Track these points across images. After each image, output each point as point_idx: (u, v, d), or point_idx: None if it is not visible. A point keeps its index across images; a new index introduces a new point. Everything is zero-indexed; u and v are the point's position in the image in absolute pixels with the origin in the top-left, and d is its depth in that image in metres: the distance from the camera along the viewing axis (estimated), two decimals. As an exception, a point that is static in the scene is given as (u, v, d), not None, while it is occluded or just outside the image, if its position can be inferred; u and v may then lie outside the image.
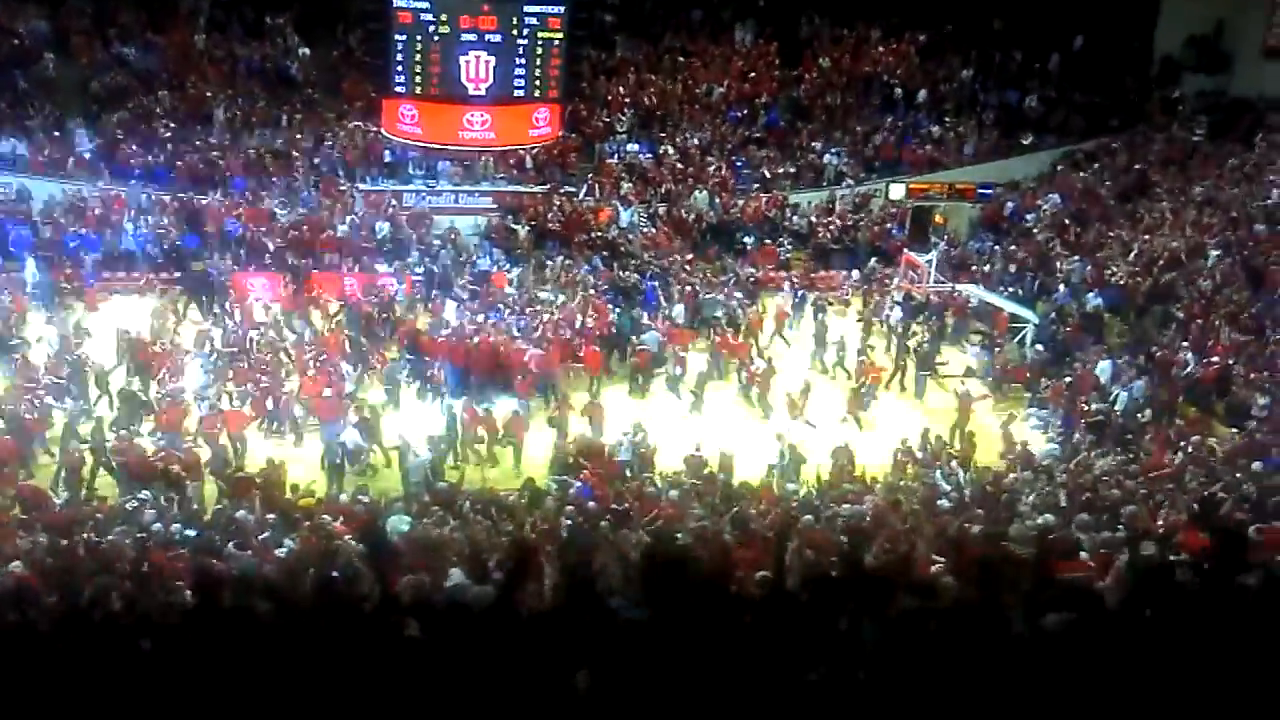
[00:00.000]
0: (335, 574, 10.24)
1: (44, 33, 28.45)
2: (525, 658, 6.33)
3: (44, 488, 15.42)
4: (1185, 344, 20.43)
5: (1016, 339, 22.93)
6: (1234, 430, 17.88)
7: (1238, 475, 14.38)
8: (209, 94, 28.46)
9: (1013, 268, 25.90)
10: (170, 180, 26.61)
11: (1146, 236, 24.87)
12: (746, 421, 20.15)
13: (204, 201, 26.05)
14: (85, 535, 11.88)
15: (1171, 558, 10.30)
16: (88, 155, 26.56)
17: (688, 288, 24.32)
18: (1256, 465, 14.97)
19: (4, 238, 24.19)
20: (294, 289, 23.70)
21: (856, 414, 19.90)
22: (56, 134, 26.72)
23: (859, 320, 24.26)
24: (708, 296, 23.96)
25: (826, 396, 20.72)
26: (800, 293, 24.93)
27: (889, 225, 28.65)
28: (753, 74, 31.95)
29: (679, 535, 11.88)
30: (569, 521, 12.72)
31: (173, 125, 27.59)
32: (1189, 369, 19.71)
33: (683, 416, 20.17)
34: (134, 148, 26.91)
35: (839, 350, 22.58)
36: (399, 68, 20.32)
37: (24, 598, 8.93)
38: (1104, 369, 20.41)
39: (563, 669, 5.85)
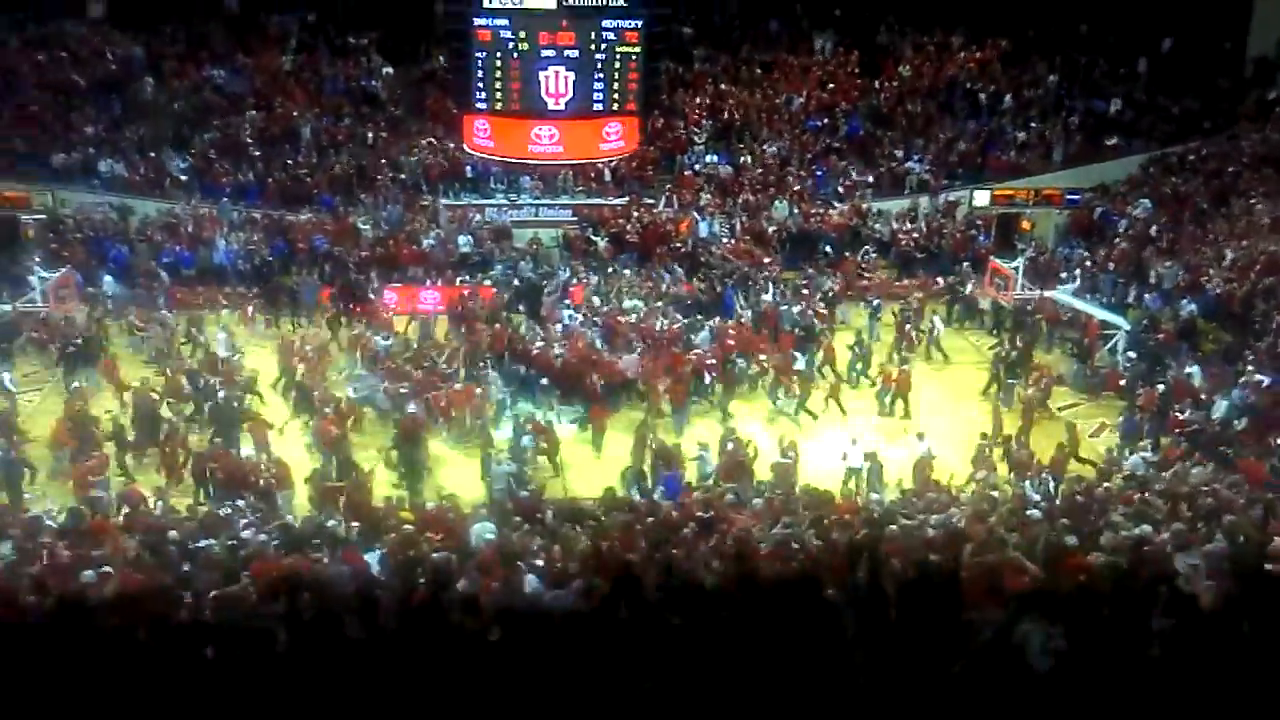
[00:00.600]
0: (420, 581, 10.39)
1: (139, 58, 29.46)
2: (605, 662, 6.35)
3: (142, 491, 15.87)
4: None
5: (1108, 346, 22.40)
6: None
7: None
8: (296, 114, 29.17)
9: (1103, 274, 25.30)
10: (259, 198, 27.30)
11: (1243, 241, 24.13)
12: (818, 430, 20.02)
13: (292, 218, 26.66)
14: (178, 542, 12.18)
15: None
16: (181, 175, 27.37)
17: (765, 296, 24.21)
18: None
19: (104, 255, 25.01)
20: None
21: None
22: (151, 155, 27.61)
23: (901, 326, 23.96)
24: (784, 308, 23.79)
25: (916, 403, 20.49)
26: (877, 302, 24.63)
27: (974, 232, 28.19)
28: (832, 83, 31.77)
29: (762, 545, 11.82)
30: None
31: (261, 145, 28.32)
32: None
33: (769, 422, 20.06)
34: (224, 167, 27.68)
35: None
36: (480, 84, 20.54)
37: (120, 606, 9.16)
38: (1194, 374, 19.87)
39: (638, 674, 5.86)
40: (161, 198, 26.98)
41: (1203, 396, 19.15)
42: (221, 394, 18.80)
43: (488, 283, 25.21)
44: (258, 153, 28.30)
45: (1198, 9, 30.58)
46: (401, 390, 19.32)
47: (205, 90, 29.50)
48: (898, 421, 20.30)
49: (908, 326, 23.44)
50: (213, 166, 27.77)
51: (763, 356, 21.65)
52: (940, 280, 26.28)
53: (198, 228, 26.04)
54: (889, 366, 21.75)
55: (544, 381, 20.30)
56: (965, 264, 26.36)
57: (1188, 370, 20.13)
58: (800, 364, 21.25)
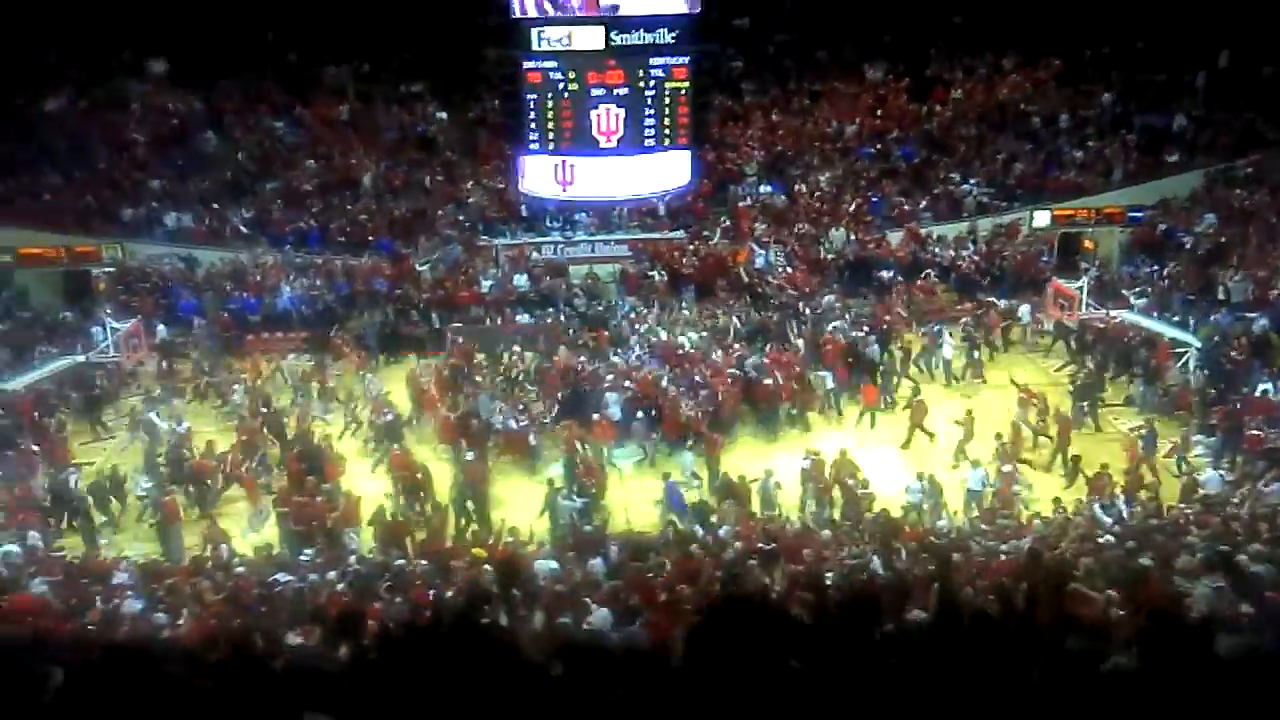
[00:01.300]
0: (481, 616, 10.39)
1: (200, 112, 30.22)
2: (666, 703, 6.27)
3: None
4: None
5: (1179, 364, 21.94)
6: None
7: None
8: (354, 161, 29.72)
9: (1171, 291, 24.84)
10: (320, 244, 27.81)
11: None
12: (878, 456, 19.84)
13: (353, 263, 27.11)
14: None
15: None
16: (243, 225, 27.96)
17: (834, 324, 24.18)
18: None
19: (174, 302, 25.64)
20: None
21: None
22: (215, 205, 28.23)
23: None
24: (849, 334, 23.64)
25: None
26: (938, 327, 24.36)
27: (1037, 252, 27.84)
28: (882, 110, 31.67)
29: (829, 575, 11.68)
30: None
31: (321, 192, 28.89)
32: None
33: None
34: (286, 215, 28.26)
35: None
36: (532, 126, 20.78)
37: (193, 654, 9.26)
38: (1269, 390, 19.39)
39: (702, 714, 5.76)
40: (225, 247, 27.56)
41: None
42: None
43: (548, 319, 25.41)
44: (318, 200, 28.83)
45: (1254, 21, 30.05)
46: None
47: (265, 141, 30.17)
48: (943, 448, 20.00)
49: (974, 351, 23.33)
50: (274, 215, 28.34)
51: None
52: (1001, 302, 25.93)
53: (262, 275, 26.55)
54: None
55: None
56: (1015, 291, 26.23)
57: (1262, 387, 19.65)
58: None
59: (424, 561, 13.72)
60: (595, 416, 20.14)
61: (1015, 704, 6.07)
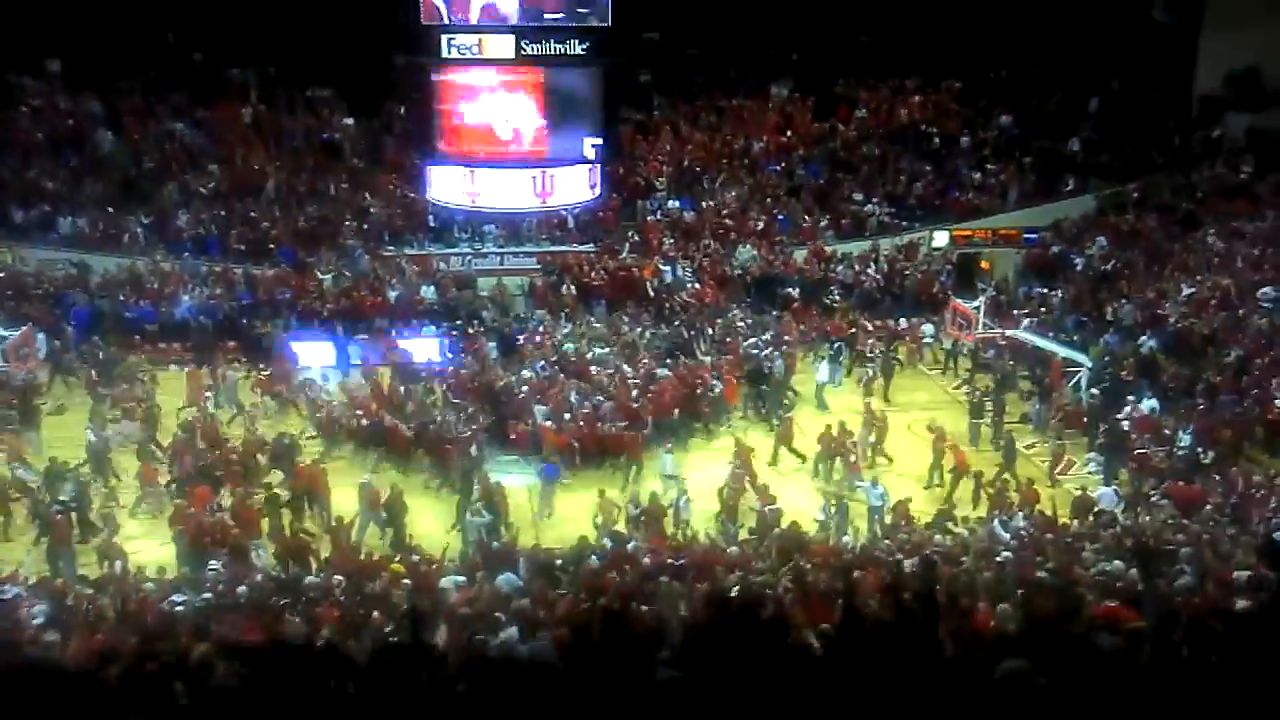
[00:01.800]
0: (391, 636, 10.25)
1: (97, 112, 29.31)
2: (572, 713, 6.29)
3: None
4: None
5: (1071, 383, 22.63)
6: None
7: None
8: (257, 166, 29.10)
9: (1064, 312, 25.65)
10: (221, 251, 27.13)
11: (1199, 276, 24.55)
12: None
13: (255, 271, 26.53)
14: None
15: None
16: (140, 231, 27.15)
17: (728, 338, 24.46)
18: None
19: (65, 311, 24.75)
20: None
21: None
22: (111, 210, 27.36)
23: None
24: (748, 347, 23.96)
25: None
26: (838, 344, 24.78)
27: (936, 271, 28.51)
28: (789, 129, 32.15)
29: (735, 590, 11.76)
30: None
31: (223, 198, 28.22)
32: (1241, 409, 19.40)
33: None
34: (185, 221, 27.51)
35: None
36: (440, 134, 20.60)
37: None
38: (1152, 408, 20.16)
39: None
40: (121, 253, 26.72)
41: (1165, 431, 19.38)
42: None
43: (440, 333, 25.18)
44: (219, 206, 28.13)
45: (1144, 49, 31.30)
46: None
47: (165, 144, 29.37)
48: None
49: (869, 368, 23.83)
50: (173, 220, 27.56)
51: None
52: (904, 322, 26.51)
53: (160, 283, 25.81)
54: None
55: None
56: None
57: (1148, 405, 20.37)
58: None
59: (338, 577, 13.43)
60: (521, 427, 20.16)
61: (915, 711, 6.25)
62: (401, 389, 22.27)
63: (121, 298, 25.39)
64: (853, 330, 25.54)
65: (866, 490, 18.04)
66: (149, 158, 28.96)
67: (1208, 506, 15.76)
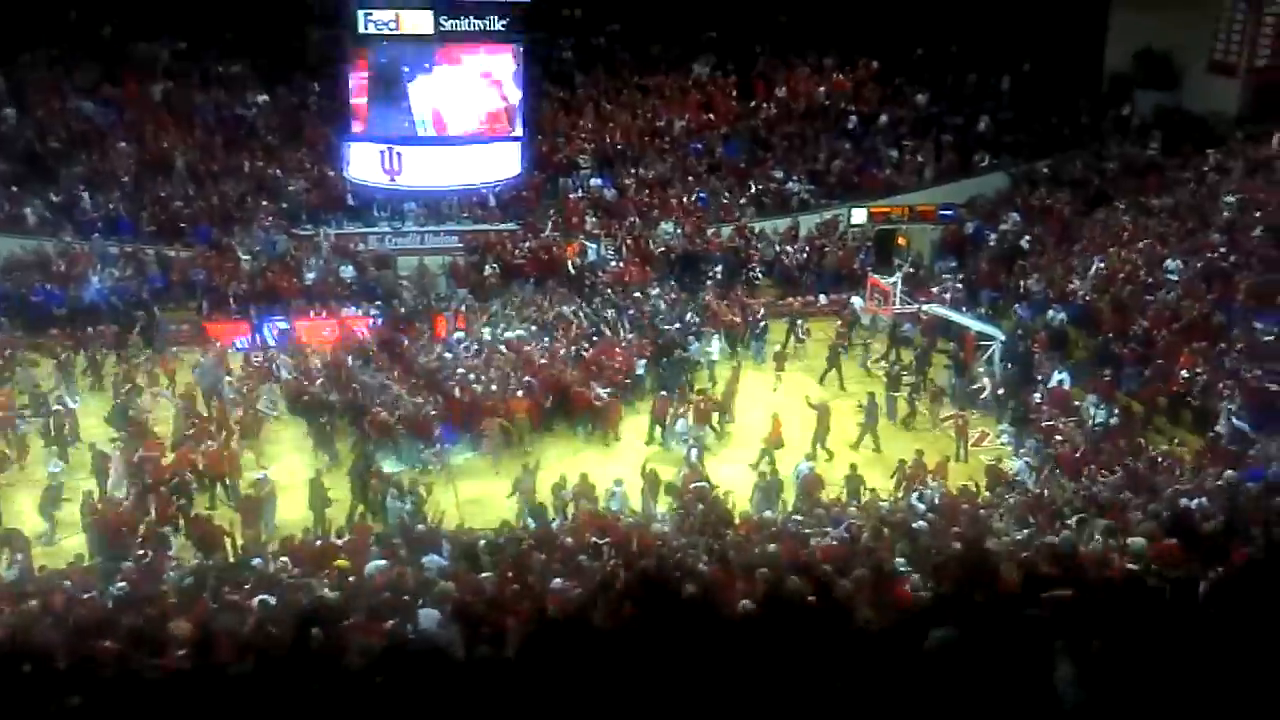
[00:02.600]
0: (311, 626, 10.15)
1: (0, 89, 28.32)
2: (500, 698, 6.33)
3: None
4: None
5: (985, 357, 23.11)
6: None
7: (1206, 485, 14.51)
8: (167, 144, 28.38)
9: (978, 286, 26.17)
10: (132, 232, 26.45)
11: (1110, 249, 25.19)
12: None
13: (169, 252, 25.94)
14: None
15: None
16: (47, 210, 26.33)
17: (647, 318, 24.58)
18: (1229, 474, 15.09)
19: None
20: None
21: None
22: (15, 190, 26.49)
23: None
24: (666, 326, 24.09)
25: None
26: (764, 324, 25.01)
27: (856, 248, 28.87)
28: (710, 107, 32.23)
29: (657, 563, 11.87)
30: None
31: (133, 176, 27.47)
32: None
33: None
34: (94, 200, 26.75)
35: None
36: (357, 111, 20.31)
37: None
38: (1061, 380, 20.70)
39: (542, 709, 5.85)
40: (26, 234, 25.89)
41: (1075, 403, 19.93)
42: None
43: (373, 312, 24.93)
44: (129, 185, 27.39)
45: (1056, 28, 31.96)
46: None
47: (72, 121, 28.49)
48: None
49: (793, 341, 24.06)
50: (81, 200, 26.78)
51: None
52: (823, 297, 26.89)
53: (68, 265, 25.11)
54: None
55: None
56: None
57: (1058, 377, 20.91)
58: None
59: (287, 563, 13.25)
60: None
61: (839, 684, 6.39)
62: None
63: (27, 281, 24.63)
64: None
65: (800, 465, 18.28)
66: (54, 136, 28.05)
67: (1117, 473, 16.24)
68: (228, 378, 21.56)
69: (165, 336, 23.86)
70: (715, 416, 21.08)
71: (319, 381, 20.87)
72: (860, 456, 19.67)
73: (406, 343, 23.11)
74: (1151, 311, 22.13)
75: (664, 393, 21.49)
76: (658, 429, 20.84)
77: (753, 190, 30.34)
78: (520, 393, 20.70)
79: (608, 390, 21.10)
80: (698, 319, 24.76)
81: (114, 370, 22.04)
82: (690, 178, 30.53)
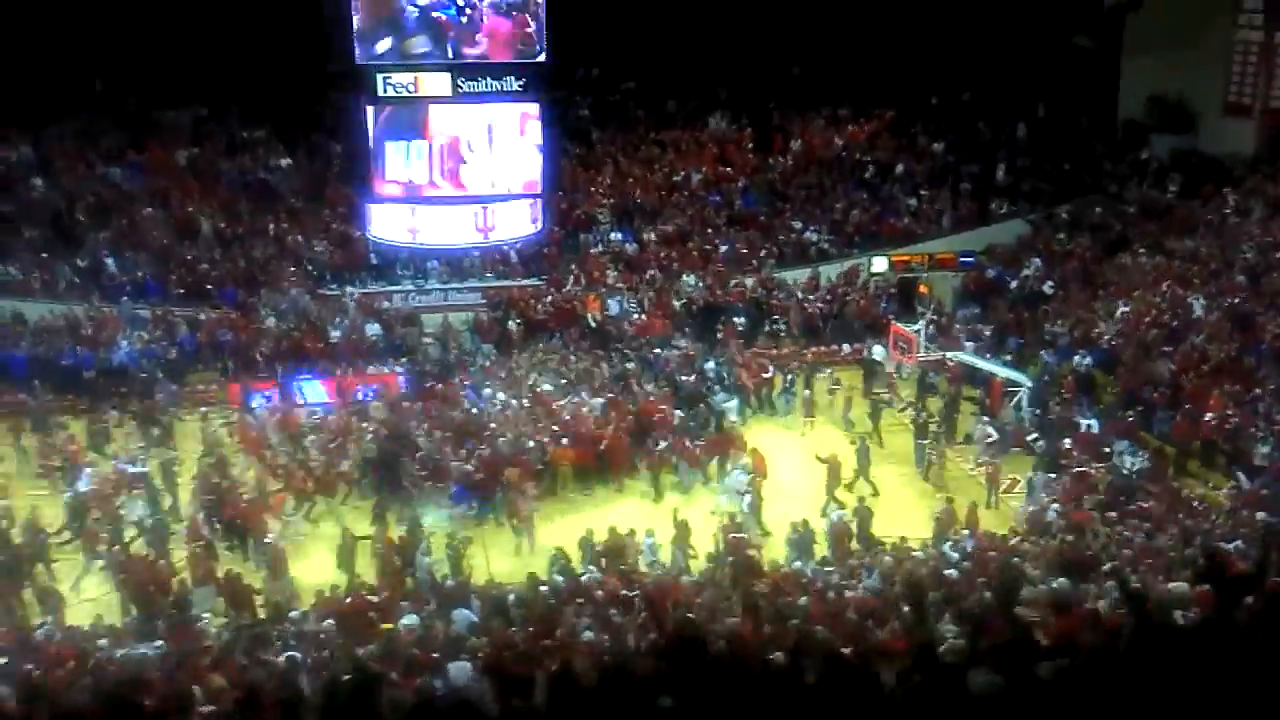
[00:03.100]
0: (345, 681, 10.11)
1: (29, 157, 28.85)
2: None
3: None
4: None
5: (1012, 403, 22.98)
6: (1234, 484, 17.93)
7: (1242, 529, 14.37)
8: (193, 209, 28.78)
9: (1001, 333, 26.09)
10: (160, 295, 26.77)
11: (1135, 293, 25.12)
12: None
13: (199, 315, 26.25)
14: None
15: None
16: (76, 276, 26.69)
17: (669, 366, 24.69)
18: (1260, 515, 14.95)
19: (2, 360, 24.27)
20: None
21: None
22: (45, 256, 26.89)
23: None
24: (683, 378, 24.15)
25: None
26: (791, 377, 24.96)
27: (877, 297, 28.87)
28: (727, 160, 32.46)
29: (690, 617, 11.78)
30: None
31: (160, 241, 27.85)
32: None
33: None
34: (121, 264, 27.12)
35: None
36: (379, 171, 20.55)
37: None
38: (1093, 426, 20.54)
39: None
40: (56, 299, 26.24)
41: (1106, 449, 19.74)
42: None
43: (399, 370, 25.04)
44: (156, 250, 27.77)
45: (1069, 75, 32.16)
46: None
47: (98, 188, 28.97)
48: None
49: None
50: (109, 265, 27.15)
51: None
52: (847, 347, 26.90)
53: (97, 328, 25.40)
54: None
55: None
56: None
57: (1086, 423, 20.75)
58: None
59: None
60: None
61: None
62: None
63: (56, 345, 24.89)
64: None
65: (833, 515, 18.17)
66: (81, 202, 28.51)
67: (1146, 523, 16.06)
68: (310, 436, 21.64)
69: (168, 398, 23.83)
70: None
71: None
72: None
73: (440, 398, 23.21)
74: (1179, 355, 22.01)
75: (688, 442, 21.47)
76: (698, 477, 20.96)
77: (772, 242, 30.41)
78: (565, 441, 20.77)
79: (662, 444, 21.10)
80: (722, 371, 24.76)
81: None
82: (709, 230, 30.68)
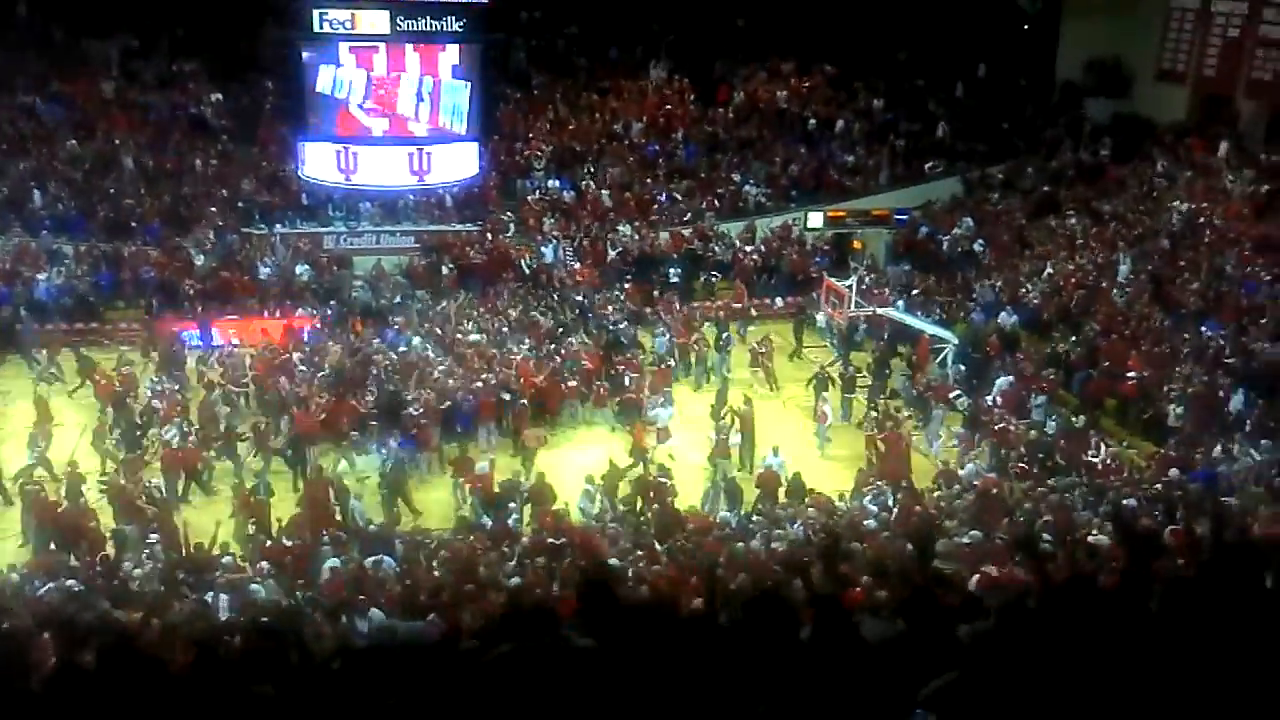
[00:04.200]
0: (264, 621, 10.11)
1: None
2: (457, 695, 6.30)
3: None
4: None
5: (938, 359, 23.34)
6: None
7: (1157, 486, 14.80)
8: (118, 142, 28.02)
9: (930, 290, 26.42)
10: (83, 230, 26.10)
11: (1062, 254, 25.56)
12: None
13: (121, 251, 25.65)
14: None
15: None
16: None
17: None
18: (1173, 472, 15.40)
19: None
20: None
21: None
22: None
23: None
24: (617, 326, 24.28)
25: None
26: (726, 335, 24.91)
27: (812, 251, 29.04)
28: (667, 110, 32.31)
29: (612, 564, 11.93)
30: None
31: (84, 174, 27.11)
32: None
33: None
34: (43, 197, 26.39)
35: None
36: (313, 110, 20.20)
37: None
38: (1002, 384, 20.94)
39: (505, 704, 5.83)
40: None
41: (1026, 406, 20.17)
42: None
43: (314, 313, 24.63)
44: (79, 183, 27.02)
45: (1009, 36, 32.41)
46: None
47: (20, 119, 28.07)
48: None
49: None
50: (30, 198, 26.40)
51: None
52: (781, 301, 27.08)
53: (15, 262, 24.74)
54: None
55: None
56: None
57: (1003, 381, 21.12)
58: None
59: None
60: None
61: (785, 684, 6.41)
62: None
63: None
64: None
65: (770, 459, 18.30)
66: (2, 133, 27.62)
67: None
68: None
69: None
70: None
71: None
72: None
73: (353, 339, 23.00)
74: (1101, 316, 22.48)
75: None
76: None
77: (710, 193, 30.41)
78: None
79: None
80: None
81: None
82: (648, 180, 30.58)
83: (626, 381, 21.47)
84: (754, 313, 26.71)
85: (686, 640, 7.77)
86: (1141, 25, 30.82)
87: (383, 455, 18.18)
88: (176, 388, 20.52)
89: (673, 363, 23.29)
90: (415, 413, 19.27)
